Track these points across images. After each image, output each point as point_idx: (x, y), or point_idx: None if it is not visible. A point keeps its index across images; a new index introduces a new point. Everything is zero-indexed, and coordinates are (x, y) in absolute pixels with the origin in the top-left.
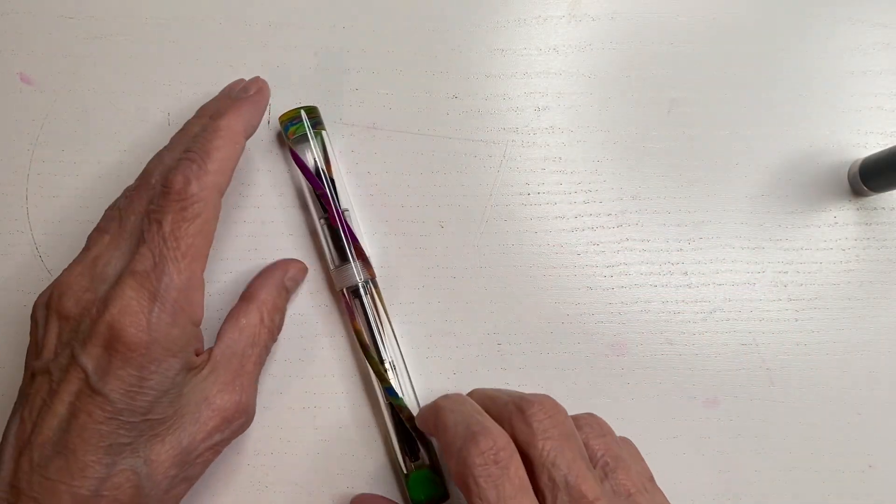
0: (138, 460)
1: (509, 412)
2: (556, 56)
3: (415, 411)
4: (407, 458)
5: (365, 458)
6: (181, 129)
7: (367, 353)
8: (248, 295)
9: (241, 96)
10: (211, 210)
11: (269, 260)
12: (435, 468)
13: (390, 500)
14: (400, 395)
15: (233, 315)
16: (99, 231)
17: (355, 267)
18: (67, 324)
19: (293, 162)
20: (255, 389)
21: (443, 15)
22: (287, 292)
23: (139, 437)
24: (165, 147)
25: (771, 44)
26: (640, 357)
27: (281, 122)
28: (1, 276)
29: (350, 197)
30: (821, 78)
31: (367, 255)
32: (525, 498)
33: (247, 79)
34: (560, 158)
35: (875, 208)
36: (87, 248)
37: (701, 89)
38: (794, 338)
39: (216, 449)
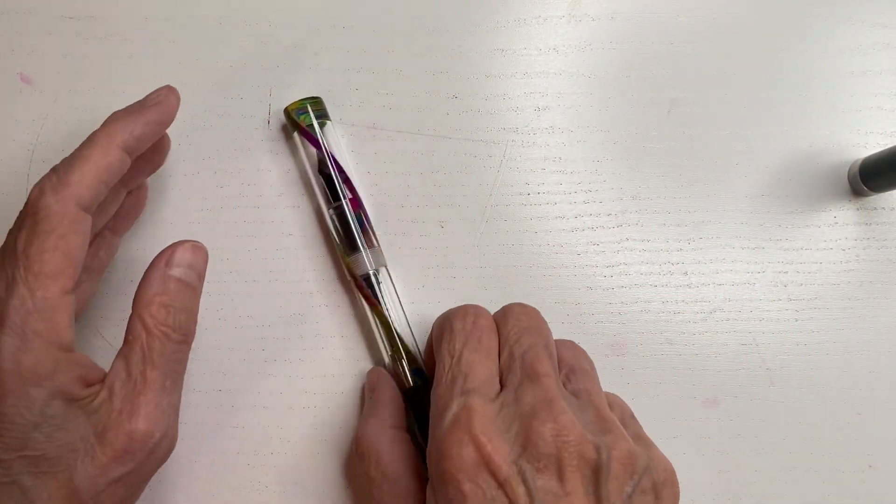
0: (26, 502)
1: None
2: (556, 56)
3: None
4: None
5: None
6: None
7: (391, 336)
8: (133, 304)
9: (136, 104)
10: (67, 225)
11: (270, 260)
12: None
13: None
14: (418, 378)
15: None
16: None
17: (372, 253)
18: None
19: (303, 151)
20: (165, 411)
21: (443, 15)
22: (179, 282)
23: (20, 475)
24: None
25: (771, 44)
26: (640, 357)
27: (287, 113)
28: None
29: (357, 186)
30: (821, 78)
31: (377, 243)
32: (486, 358)
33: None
34: (560, 158)
35: (875, 208)
36: None
37: (701, 89)
38: (794, 338)
39: (126, 482)
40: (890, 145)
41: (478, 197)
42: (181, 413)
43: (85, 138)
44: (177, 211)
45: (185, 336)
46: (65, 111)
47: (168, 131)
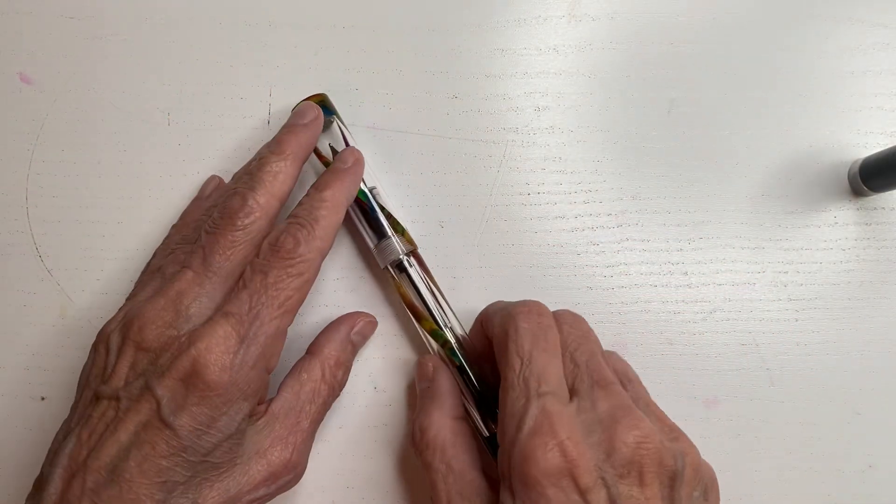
0: (187, 501)
1: None
2: (556, 56)
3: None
4: (487, 419)
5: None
6: (251, 161)
7: (423, 321)
8: (312, 349)
9: (341, 167)
10: (313, 272)
11: None
12: None
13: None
14: (463, 357)
15: (296, 368)
16: (176, 260)
17: (397, 241)
18: (146, 355)
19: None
20: (309, 447)
21: (443, 15)
22: (353, 347)
23: (193, 479)
24: (233, 179)
25: (771, 44)
26: (640, 357)
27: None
28: (1, 276)
29: (377, 176)
30: (821, 78)
31: (405, 227)
32: (555, 359)
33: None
34: (560, 158)
35: (875, 208)
36: (169, 279)
37: (701, 89)
38: (794, 338)
39: (259, 501)
40: (890, 145)
41: (478, 197)
42: None
43: (314, 199)
44: (177, 212)
45: (341, 391)
46: (65, 111)
47: (167, 132)
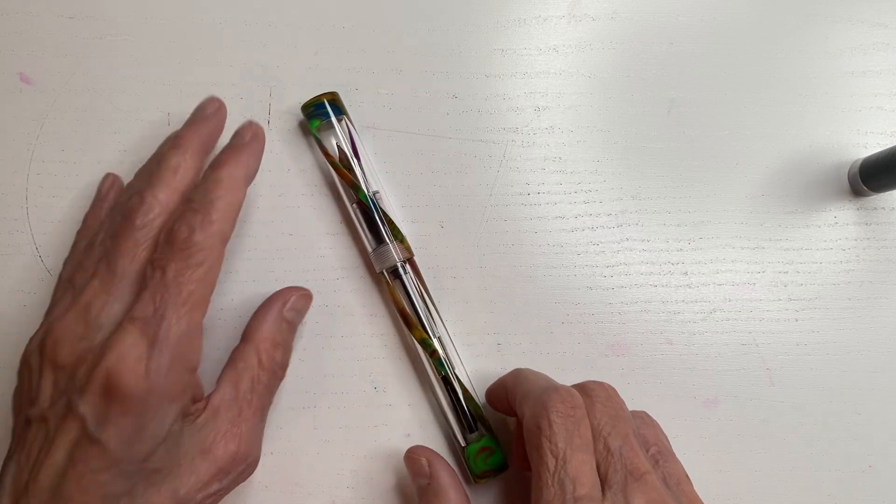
0: None
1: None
2: (556, 56)
3: (467, 384)
4: (464, 430)
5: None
6: (151, 159)
7: (413, 329)
8: (246, 334)
9: (239, 143)
10: (214, 258)
11: (270, 260)
12: (493, 438)
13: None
14: (449, 367)
15: (232, 358)
16: (83, 269)
17: (394, 247)
18: (63, 372)
19: (317, 147)
20: (258, 435)
21: (443, 15)
22: (289, 325)
23: (136, 487)
24: (135, 177)
25: (771, 44)
26: (640, 357)
27: (304, 111)
28: (1, 276)
29: (380, 179)
30: (821, 78)
31: (404, 235)
32: (588, 455)
33: (215, 98)
34: (560, 158)
35: (875, 208)
36: (78, 291)
37: (701, 89)
38: (794, 338)
39: (215, 498)
40: (890, 145)
41: (478, 197)
42: None
43: (208, 181)
44: None
45: (284, 372)
46: (65, 111)
47: (167, 132)
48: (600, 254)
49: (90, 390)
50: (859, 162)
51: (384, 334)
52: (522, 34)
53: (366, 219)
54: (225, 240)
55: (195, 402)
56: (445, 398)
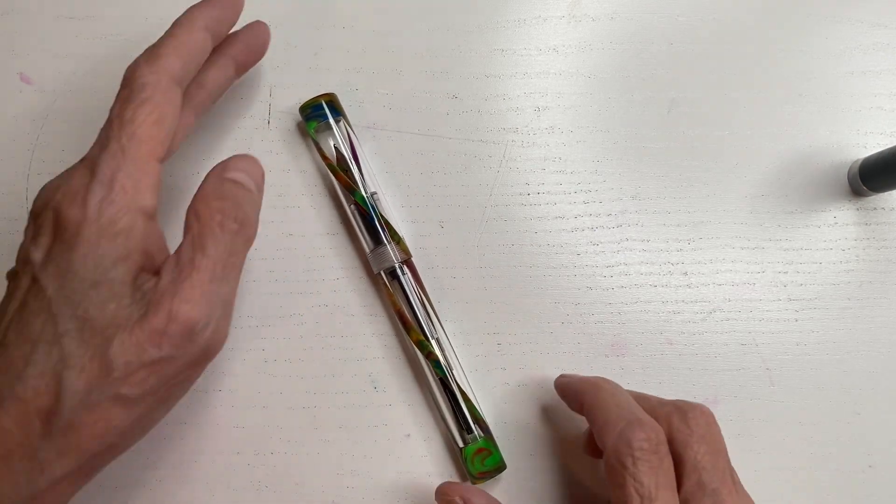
0: (61, 364)
1: (667, 412)
2: (556, 56)
3: (465, 386)
4: (462, 431)
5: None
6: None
7: (411, 331)
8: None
9: None
10: (161, 94)
11: (271, 260)
12: (490, 440)
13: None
14: (447, 369)
15: None
16: None
17: (392, 248)
18: (35, 222)
19: (314, 148)
20: (210, 300)
21: (443, 15)
22: (236, 184)
23: (65, 336)
24: None
25: (771, 44)
26: (640, 357)
27: (302, 112)
28: (1, 276)
29: (378, 180)
30: (821, 78)
31: (402, 236)
32: (672, 493)
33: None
34: (560, 158)
35: (875, 208)
36: None
37: (701, 89)
38: (794, 338)
39: (160, 370)
40: (890, 145)
41: (478, 197)
42: (181, 413)
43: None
44: (178, 211)
45: (239, 226)
46: (65, 111)
47: None
48: (600, 254)
49: (43, 232)
50: (859, 162)
51: (384, 334)
52: (522, 34)
53: (363, 220)
54: (173, 76)
55: (150, 269)
56: (443, 400)
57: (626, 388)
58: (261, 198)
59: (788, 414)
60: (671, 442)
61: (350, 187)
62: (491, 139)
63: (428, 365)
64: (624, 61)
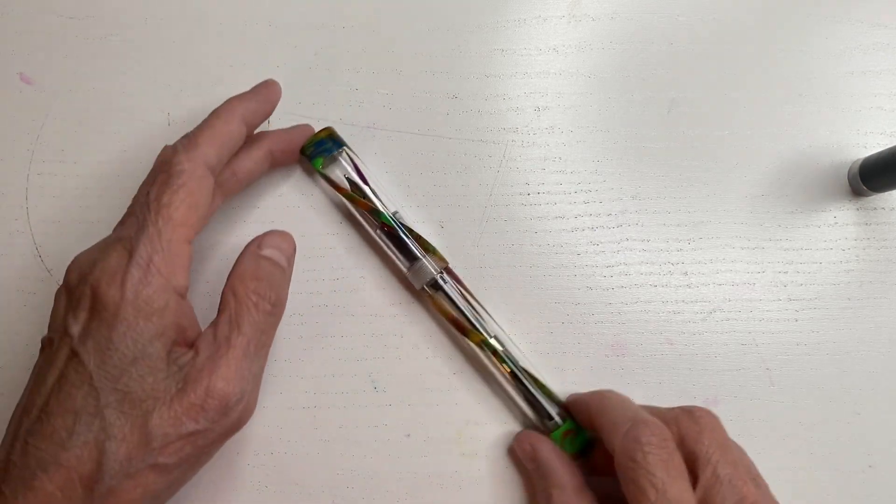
0: (103, 435)
1: (674, 415)
2: (556, 56)
3: (536, 373)
4: (542, 419)
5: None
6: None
7: (469, 334)
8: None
9: (249, 91)
10: (196, 181)
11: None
12: (573, 420)
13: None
14: (513, 362)
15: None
16: (120, 222)
17: (428, 261)
18: (72, 295)
19: (322, 183)
20: (244, 377)
21: (443, 15)
22: (270, 262)
23: (107, 408)
24: None
25: (771, 44)
26: (640, 357)
27: (305, 152)
28: (1, 276)
29: (395, 195)
30: (821, 78)
31: (434, 246)
32: (685, 483)
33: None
34: (560, 158)
35: (875, 208)
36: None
37: (701, 89)
38: (794, 338)
39: (195, 440)
40: (890, 145)
41: (478, 197)
42: None
43: (207, 115)
44: None
45: (273, 307)
46: (65, 111)
47: (167, 132)
48: (600, 254)
49: (81, 306)
50: (859, 162)
51: (384, 334)
52: (522, 34)
53: (393, 240)
54: (208, 164)
55: (185, 340)
56: (516, 391)
57: (624, 387)
58: (291, 272)
59: (788, 414)
60: (683, 441)
61: (373, 211)
62: (491, 139)
63: (493, 362)
64: (624, 61)
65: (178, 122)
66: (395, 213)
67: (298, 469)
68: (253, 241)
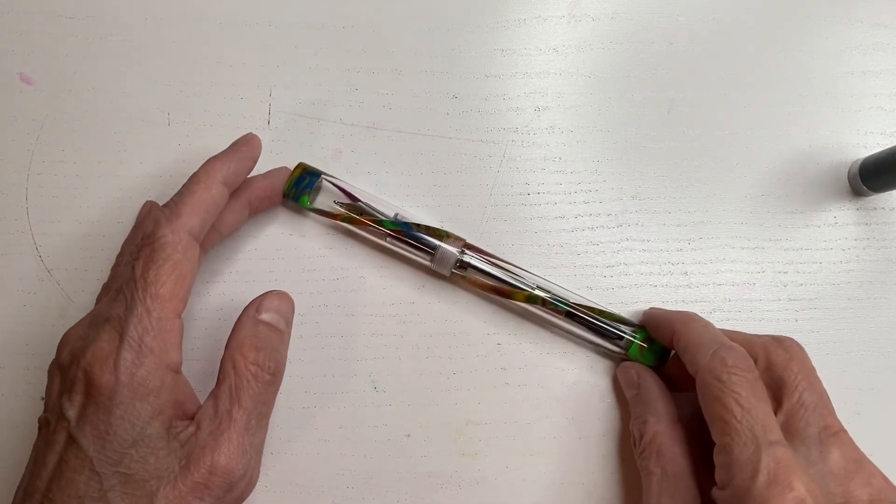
0: None
1: (764, 342)
2: (556, 56)
3: (591, 303)
4: (614, 342)
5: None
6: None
7: (514, 296)
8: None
9: (228, 149)
10: (181, 252)
11: (271, 259)
12: (643, 329)
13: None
14: (566, 302)
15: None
16: (105, 287)
17: (447, 246)
18: (65, 375)
19: (313, 214)
20: (245, 450)
21: (443, 15)
22: (269, 327)
23: (110, 492)
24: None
25: (771, 44)
26: None
27: (288, 195)
28: (1, 276)
29: (386, 193)
30: (821, 78)
31: (445, 229)
32: (768, 406)
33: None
34: (560, 158)
35: (875, 208)
36: (95, 304)
37: (701, 89)
38: (793, 338)
39: None
40: (890, 145)
41: (478, 197)
42: None
43: (187, 178)
44: None
45: (272, 377)
46: (65, 111)
47: (167, 132)
48: (600, 254)
49: (75, 390)
50: (859, 162)
51: (384, 334)
52: (522, 34)
53: (406, 242)
54: (192, 234)
55: (184, 415)
56: (580, 328)
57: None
58: (290, 333)
59: None
60: (771, 367)
61: (377, 222)
62: (491, 139)
63: (548, 312)
64: (624, 61)
65: (178, 122)
66: (396, 216)
67: (298, 469)
68: (251, 303)
